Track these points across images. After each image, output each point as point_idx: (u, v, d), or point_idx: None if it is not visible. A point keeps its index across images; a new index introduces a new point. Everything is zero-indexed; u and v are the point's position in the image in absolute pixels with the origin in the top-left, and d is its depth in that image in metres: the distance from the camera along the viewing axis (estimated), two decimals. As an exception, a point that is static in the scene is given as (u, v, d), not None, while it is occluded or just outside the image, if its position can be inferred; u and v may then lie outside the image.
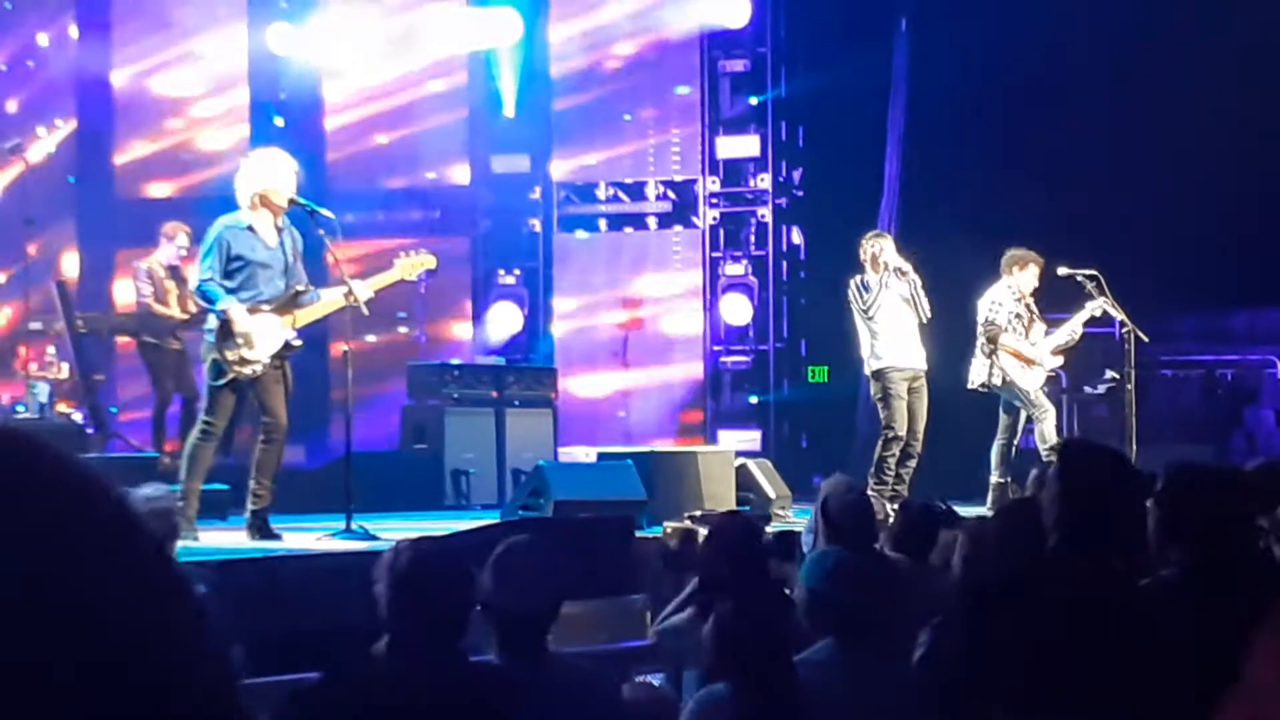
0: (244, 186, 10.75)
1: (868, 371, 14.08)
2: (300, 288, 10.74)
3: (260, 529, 10.75)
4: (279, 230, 10.75)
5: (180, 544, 9.85)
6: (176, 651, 0.97)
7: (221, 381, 10.58)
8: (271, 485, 10.79)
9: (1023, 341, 14.38)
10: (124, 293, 18.88)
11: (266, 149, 11.44)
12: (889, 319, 13.83)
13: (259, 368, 10.56)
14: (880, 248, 13.90)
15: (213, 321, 10.62)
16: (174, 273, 15.20)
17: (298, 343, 10.74)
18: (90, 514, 0.98)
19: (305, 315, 10.80)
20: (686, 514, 11.76)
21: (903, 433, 13.77)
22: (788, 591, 6.31)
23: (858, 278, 13.97)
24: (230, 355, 10.50)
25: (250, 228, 10.65)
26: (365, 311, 10.97)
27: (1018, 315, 14.41)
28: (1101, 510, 4.82)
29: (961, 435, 14.89)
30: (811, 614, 5.65)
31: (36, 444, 1.00)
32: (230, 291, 10.55)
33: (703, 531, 8.92)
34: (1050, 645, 4.37)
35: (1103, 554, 4.80)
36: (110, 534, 0.99)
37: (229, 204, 10.90)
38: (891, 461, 13.73)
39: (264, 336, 10.56)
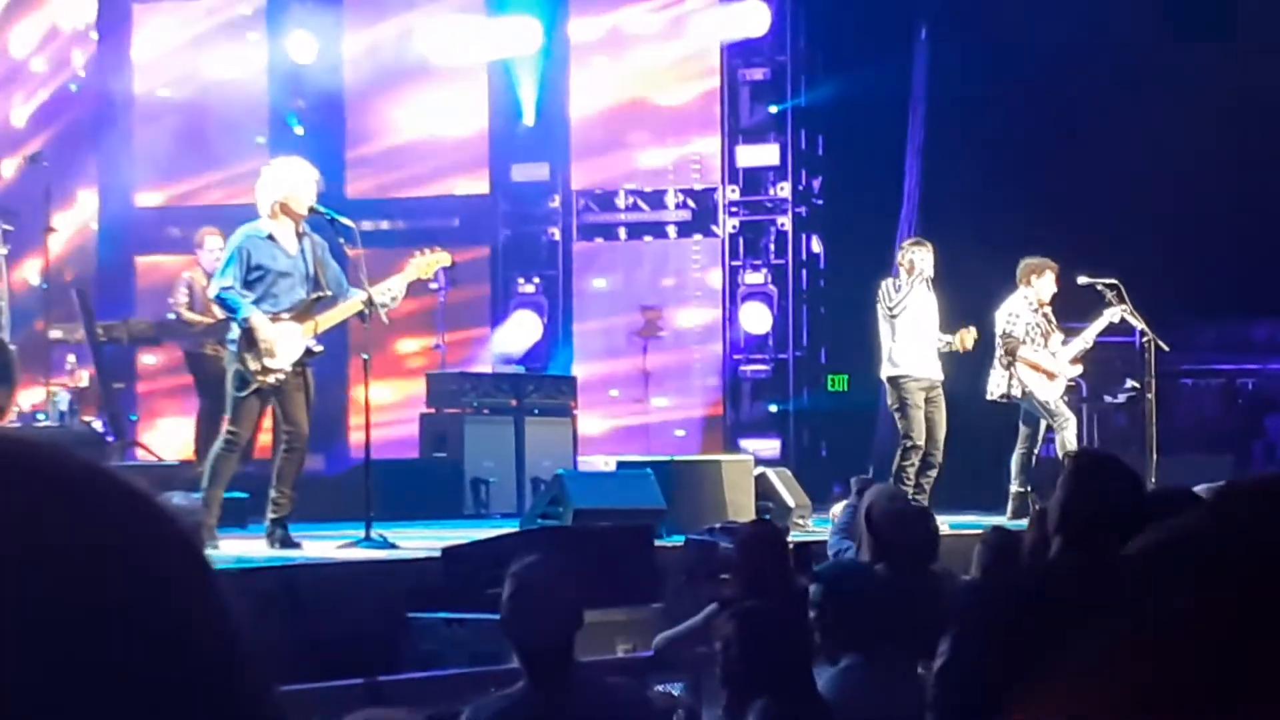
0: (265, 195, 10.75)
1: (883, 376, 14.06)
2: (320, 294, 10.73)
3: (280, 537, 10.75)
4: (299, 237, 10.75)
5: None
6: (217, 666, 0.97)
7: (245, 392, 10.58)
8: (292, 493, 10.78)
9: (1041, 353, 14.34)
10: (145, 300, 18.95)
11: (287, 157, 11.45)
12: (910, 325, 13.82)
13: (282, 376, 10.57)
14: (920, 256, 13.90)
15: (235, 331, 10.63)
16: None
17: (319, 349, 10.74)
18: (139, 526, 0.98)
19: (325, 321, 10.79)
20: (707, 526, 11.75)
21: (921, 442, 13.75)
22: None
23: (891, 280, 14.00)
24: (253, 365, 10.51)
25: (271, 236, 10.65)
26: (386, 320, 10.99)
27: (1035, 325, 14.38)
28: (1107, 515, 4.85)
29: (981, 445, 14.86)
30: (828, 629, 5.65)
31: (71, 459, 1.00)
32: (252, 301, 10.55)
33: (723, 545, 8.91)
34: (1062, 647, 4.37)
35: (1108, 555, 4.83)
36: (159, 548, 0.99)
37: (251, 211, 10.91)
38: (911, 471, 13.70)
39: (286, 344, 10.56)
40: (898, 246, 14.60)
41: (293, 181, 10.76)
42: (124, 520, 0.97)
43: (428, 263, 11.30)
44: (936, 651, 5.04)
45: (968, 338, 14.03)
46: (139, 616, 0.93)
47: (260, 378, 10.53)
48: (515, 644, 5.25)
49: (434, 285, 17.29)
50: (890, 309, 13.85)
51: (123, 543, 0.96)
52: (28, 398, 14.88)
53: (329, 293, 10.77)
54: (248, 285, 10.57)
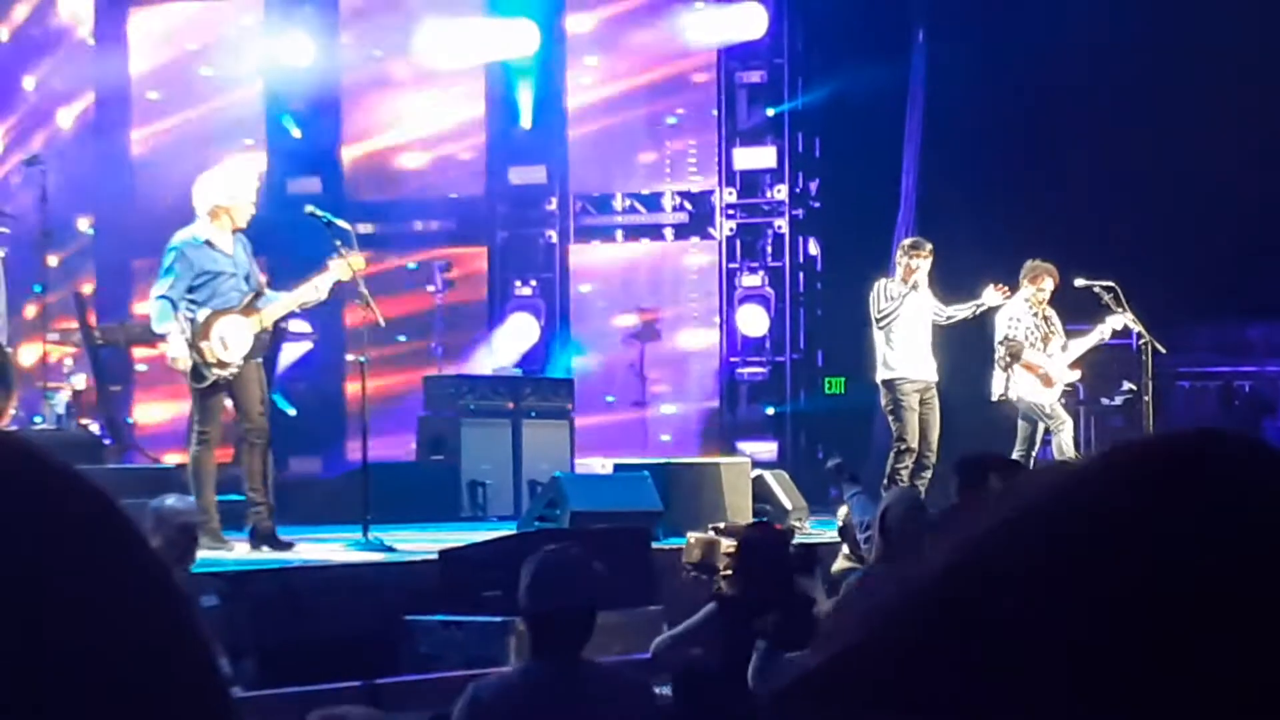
0: (204, 199, 10.81)
1: (878, 380, 14.07)
2: (260, 290, 10.86)
3: (265, 539, 10.76)
4: (234, 238, 10.85)
5: (216, 554, 9.90)
6: (170, 668, 0.96)
7: (204, 384, 10.66)
8: (265, 488, 10.81)
9: (1043, 356, 14.35)
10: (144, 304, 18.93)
11: (230, 163, 11.52)
12: (903, 329, 13.82)
13: (235, 370, 10.63)
14: (918, 263, 13.85)
15: (183, 325, 10.64)
16: None
17: (265, 336, 10.86)
18: (84, 525, 0.97)
19: (270, 315, 10.89)
20: (710, 525, 11.74)
21: (915, 444, 13.76)
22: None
23: (884, 281, 13.98)
24: (208, 355, 10.56)
25: (208, 241, 10.75)
26: (381, 323, 11.03)
27: (1034, 328, 14.39)
28: None
29: (979, 446, 14.84)
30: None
31: (31, 452, 0.99)
32: (200, 303, 10.61)
33: (725, 542, 8.91)
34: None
35: None
36: (107, 546, 0.98)
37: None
38: (904, 474, 13.71)
39: (236, 338, 10.65)
40: (895, 248, 14.58)
41: (232, 185, 10.87)
42: (78, 522, 0.96)
43: (346, 264, 11.20)
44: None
45: (996, 294, 14.01)
46: (82, 622, 0.92)
47: (215, 370, 10.59)
48: (534, 615, 5.24)
49: (431, 288, 17.32)
50: (877, 319, 13.83)
51: (74, 543, 0.95)
52: (25, 401, 14.86)
53: (266, 289, 10.89)
54: (195, 289, 10.66)
